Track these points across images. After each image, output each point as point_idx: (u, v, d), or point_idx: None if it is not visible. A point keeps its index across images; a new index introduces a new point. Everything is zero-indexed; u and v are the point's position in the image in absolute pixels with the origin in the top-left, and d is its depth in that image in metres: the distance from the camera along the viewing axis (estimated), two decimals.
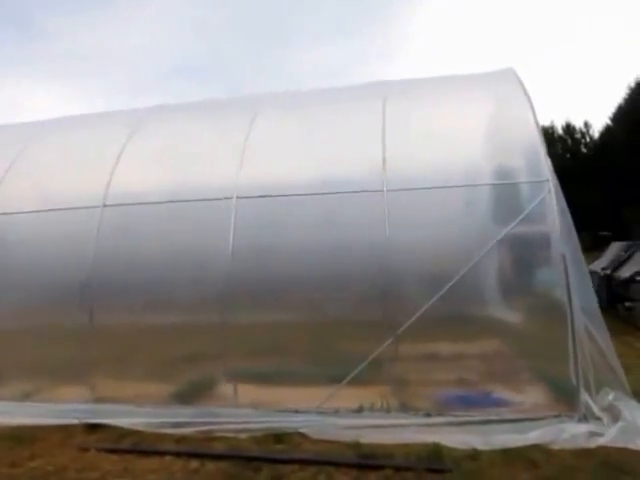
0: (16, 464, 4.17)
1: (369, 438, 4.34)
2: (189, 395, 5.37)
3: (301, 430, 4.57)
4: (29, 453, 4.37)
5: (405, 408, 4.83)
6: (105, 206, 5.71)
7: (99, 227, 5.61)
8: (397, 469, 3.85)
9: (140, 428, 4.84)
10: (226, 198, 5.42)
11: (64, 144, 6.63)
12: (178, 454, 4.26)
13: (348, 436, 4.42)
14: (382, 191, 5.09)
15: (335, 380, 4.99)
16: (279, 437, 4.48)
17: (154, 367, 5.47)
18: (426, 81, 6.29)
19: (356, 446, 4.23)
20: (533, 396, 5.00)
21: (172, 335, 5.43)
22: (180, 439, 4.59)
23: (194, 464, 4.09)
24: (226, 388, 5.26)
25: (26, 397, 5.72)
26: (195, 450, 4.31)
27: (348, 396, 4.94)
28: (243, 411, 5.00)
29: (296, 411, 4.92)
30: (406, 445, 4.23)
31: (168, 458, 4.22)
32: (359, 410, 4.83)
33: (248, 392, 5.17)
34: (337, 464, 3.96)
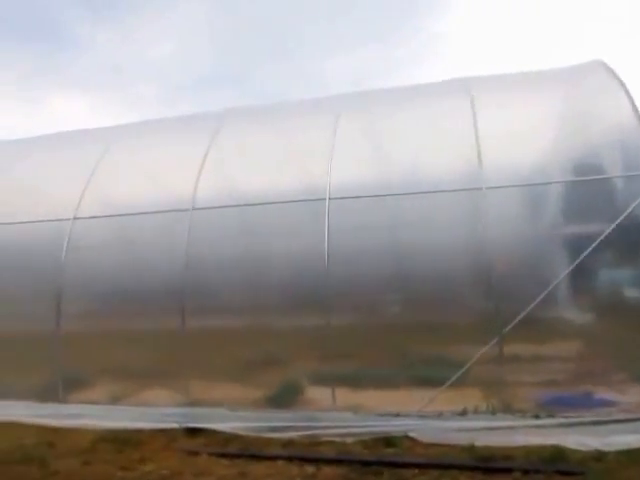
0: (128, 468, 4.14)
1: (483, 441, 4.21)
2: (281, 399, 5.32)
3: (410, 434, 4.45)
4: (138, 456, 4.34)
5: (509, 410, 4.70)
6: (194, 209, 5.71)
7: (190, 230, 5.61)
8: (525, 472, 3.72)
9: (241, 432, 4.78)
10: (319, 199, 5.36)
11: (147, 150, 6.69)
12: (290, 459, 4.18)
13: (459, 439, 4.30)
14: (481, 189, 4.99)
15: (434, 382, 4.89)
16: (388, 441, 4.38)
17: (245, 370, 5.45)
18: (509, 77, 6.18)
19: (471, 449, 4.11)
20: (636, 396, 4.84)
21: (264, 338, 5.39)
22: (286, 444, 4.51)
23: (310, 469, 4.01)
24: (322, 392, 5.19)
25: (115, 400, 5.73)
26: (307, 455, 4.23)
27: (449, 399, 4.84)
28: (343, 415, 4.92)
29: (397, 414, 4.83)
30: (523, 447, 4.09)
31: (280, 463, 4.15)
32: (463, 413, 4.72)
33: (345, 396, 5.09)
34: (460, 467, 3.84)
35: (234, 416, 5.10)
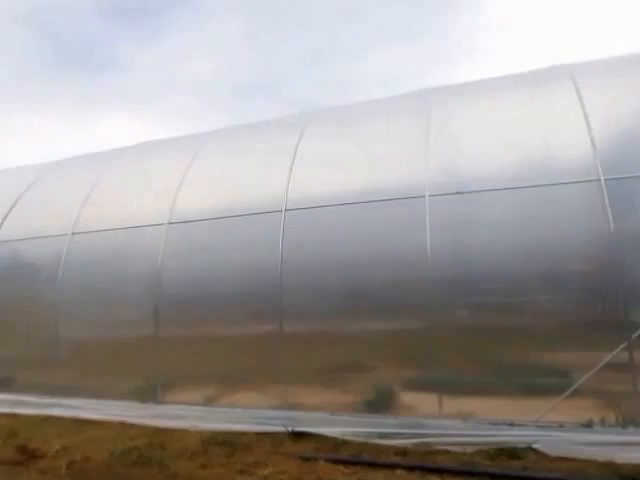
0: (245, 471, 4.09)
1: (622, 457, 3.90)
2: (379, 404, 5.16)
3: (533, 445, 4.20)
4: (252, 460, 4.28)
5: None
6: (287, 210, 5.64)
7: (283, 233, 5.54)
8: None
9: (349, 438, 4.66)
10: (418, 197, 5.18)
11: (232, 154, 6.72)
12: (410, 468, 4.01)
13: (592, 454, 4.01)
14: (599, 180, 4.66)
15: (551, 390, 4.61)
16: (511, 452, 4.14)
17: (337, 374, 5.31)
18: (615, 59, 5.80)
19: (611, 466, 3.80)
20: None
21: (356, 342, 5.26)
22: (399, 452, 4.36)
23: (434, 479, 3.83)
24: (423, 398, 5.00)
25: (210, 402, 5.73)
26: (428, 464, 4.04)
27: (566, 408, 4.54)
28: (451, 422, 4.70)
29: (511, 424, 4.57)
30: None
31: (399, 472, 3.99)
32: (589, 424, 4.40)
33: (452, 403, 4.88)
34: None
35: (337, 421, 4.98)
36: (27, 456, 4.49)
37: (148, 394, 5.94)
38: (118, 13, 27.95)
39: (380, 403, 5.15)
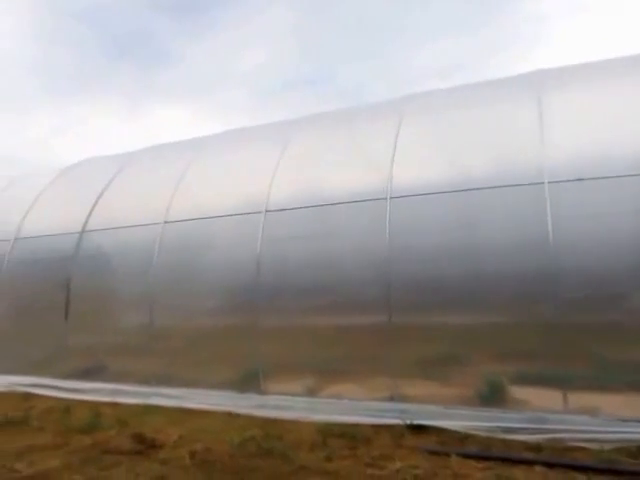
0: (374, 465, 3.97)
1: None
2: (491, 398, 4.95)
3: None
4: (377, 453, 4.16)
5: None
6: (391, 198, 5.49)
7: (388, 219, 5.39)
8: None
9: (472, 432, 4.48)
10: (538, 183, 4.93)
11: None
12: (549, 465, 3.81)
13: None
14: None
15: None
16: None
17: (450, 367, 5.15)
18: None
19: None
20: None
21: (464, 334, 5.07)
22: (531, 447, 4.16)
23: (581, 477, 3.60)
24: (546, 393, 4.77)
25: (312, 392, 5.65)
26: (569, 461, 3.83)
27: None
28: (579, 418, 4.47)
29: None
30: None
31: (539, 469, 3.79)
32: None
33: (576, 398, 4.63)
34: None
35: (453, 414, 4.82)
36: (145, 446, 4.50)
37: (249, 384, 5.91)
38: (170, 7, 28.32)
39: (494, 397, 4.96)
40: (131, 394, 6.37)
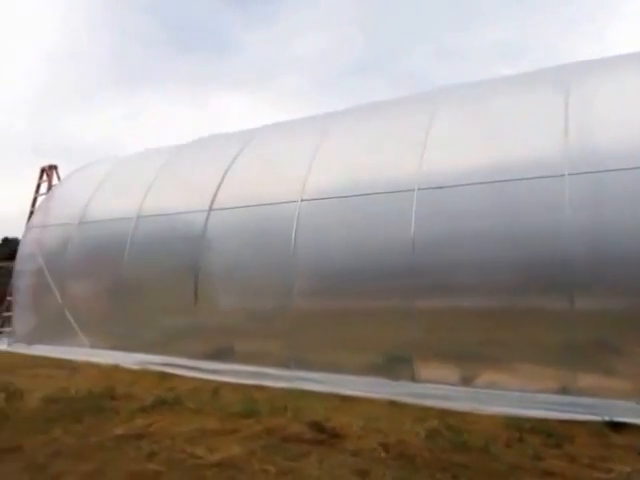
0: (594, 467, 3.62)
1: None
2: None
3: None
4: (594, 454, 3.79)
5: None
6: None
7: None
8: None
9: None
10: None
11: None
12: None
13: None
14: None
15: None
16: None
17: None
18: None
19: None
20: None
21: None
22: None
23: None
24: None
25: (465, 381, 5.33)
26: None
27: None
28: None
29: None
30: None
31: None
32: None
33: None
34: None
35: None
36: (327, 435, 4.29)
37: (399, 370, 5.65)
38: None
39: None
40: (271, 377, 6.24)
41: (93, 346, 8.19)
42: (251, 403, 5.23)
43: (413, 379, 5.54)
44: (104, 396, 5.83)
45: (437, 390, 5.34)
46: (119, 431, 4.72)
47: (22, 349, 8.99)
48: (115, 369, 7.24)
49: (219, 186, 7.67)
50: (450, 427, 4.37)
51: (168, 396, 5.67)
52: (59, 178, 10.96)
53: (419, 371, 5.55)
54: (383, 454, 3.91)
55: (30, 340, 9.11)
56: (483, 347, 5.40)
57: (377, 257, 5.91)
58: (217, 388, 5.97)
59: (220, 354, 7.01)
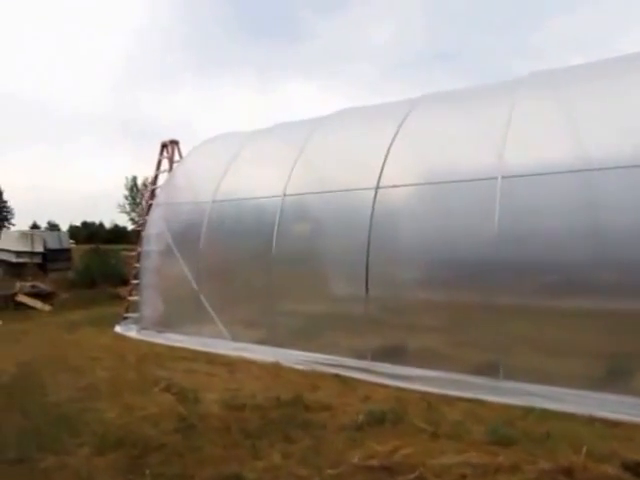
0: None
1: None
2: None
3: None
4: None
5: None
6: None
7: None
8: None
9: None
10: None
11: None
12: None
13: None
14: None
15: None
16: None
17: None
18: None
19: None
20: None
21: None
22: None
23: None
24: None
25: None
26: None
27: None
28: None
29: None
30: None
31: None
32: None
33: None
34: None
35: None
36: None
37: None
38: None
39: None
40: (472, 386, 5.18)
41: (235, 339, 7.35)
42: (503, 427, 4.18)
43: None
44: (295, 404, 4.95)
45: None
46: (354, 459, 3.80)
47: (152, 337, 8.27)
48: (278, 368, 6.36)
49: (384, 161, 6.62)
50: None
51: (376, 410, 4.71)
52: (180, 155, 10.14)
53: None
54: None
55: (159, 327, 8.39)
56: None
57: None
58: (429, 401, 4.96)
59: (397, 354, 6.03)
